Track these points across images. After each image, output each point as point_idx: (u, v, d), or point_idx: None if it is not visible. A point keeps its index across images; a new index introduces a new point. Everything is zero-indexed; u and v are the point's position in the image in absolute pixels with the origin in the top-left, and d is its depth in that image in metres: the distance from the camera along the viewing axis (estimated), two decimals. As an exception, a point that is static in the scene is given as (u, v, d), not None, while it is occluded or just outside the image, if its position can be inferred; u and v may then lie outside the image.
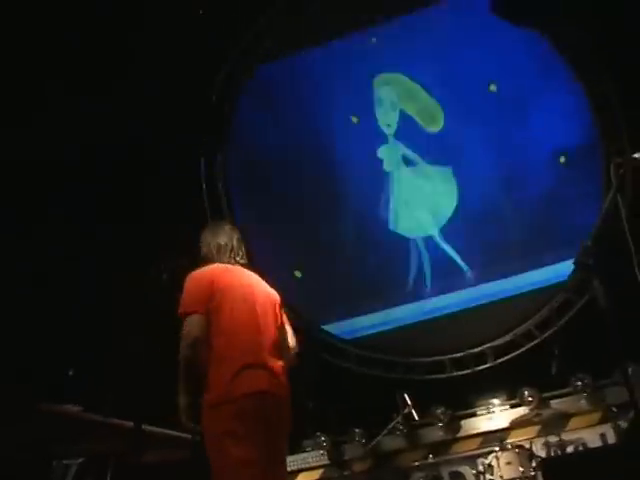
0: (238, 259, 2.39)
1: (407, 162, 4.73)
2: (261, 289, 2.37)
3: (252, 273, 2.41)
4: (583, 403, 3.81)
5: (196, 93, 4.53)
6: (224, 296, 2.24)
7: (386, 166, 4.76)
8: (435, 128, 4.66)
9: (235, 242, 2.43)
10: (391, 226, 4.74)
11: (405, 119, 4.72)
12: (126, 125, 4.28)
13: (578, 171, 4.46)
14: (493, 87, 4.55)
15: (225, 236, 2.43)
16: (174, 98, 4.35)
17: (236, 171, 4.85)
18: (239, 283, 2.30)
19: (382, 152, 4.77)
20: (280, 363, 2.24)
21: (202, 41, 4.37)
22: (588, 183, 4.33)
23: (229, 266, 2.37)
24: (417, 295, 4.64)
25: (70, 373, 3.28)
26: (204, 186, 4.74)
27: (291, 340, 2.36)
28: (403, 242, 4.71)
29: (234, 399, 2.09)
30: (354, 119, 4.78)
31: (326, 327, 4.73)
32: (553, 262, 4.39)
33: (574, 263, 4.00)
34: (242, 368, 2.13)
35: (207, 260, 2.39)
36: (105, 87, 4.22)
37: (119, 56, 4.26)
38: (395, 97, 4.74)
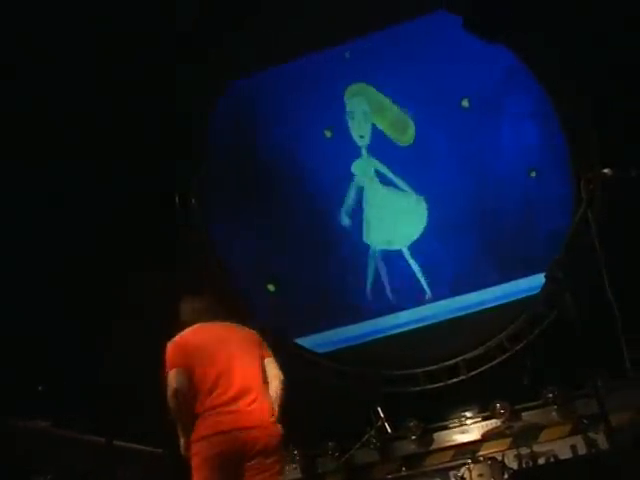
0: (215, 316, 2.64)
1: (380, 177, 4.74)
2: (237, 336, 2.61)
3: (230, 324, 2.65)
4: (554, 415, 3.83)
5: (166, 110, 4.48)
6: (195, 354, 2.51)
7: (359, 180, 4.77)
8: (406, 141, 4.68)
9: (209, 304, 2.67)
10: (364, 239, 4.75)
11: (377, 133, 4.73)
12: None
13: (548, 186, 4.50)
14: (465, 103, 4.58)
15: (199, 301, 2.68)
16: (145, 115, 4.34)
17: (210, 188, 4.80)
18: (214, 338, 2.57)
19: (356, 167, 4.77)
20: (253, 401, 2.47)
21: (171, 56, 4.36)
22: (558, 198, 4.38)
23: (206, 324, 2.61)
24: (387, 308, 4.63)
25: (40, 388, 3.23)
26: (177, 202, 4.69)
27: (276, 372, 2.57)
28: (370, 254, 4.73)
29: (202, 437, 2.44)
30: (328, 133, 4.77)
31: (300, 341, 4.70)
32: (525, 275, 4.41)
33: (545, 276, 4.03)
34: (209, 413, 2.45)
35: (187, 325, 2.63)
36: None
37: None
38: (367, 107, 4.73)
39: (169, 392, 2.43)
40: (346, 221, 4.74)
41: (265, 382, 2.54)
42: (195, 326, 2.58)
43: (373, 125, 4.73)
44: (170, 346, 2.52)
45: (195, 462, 2.42)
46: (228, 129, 4.78)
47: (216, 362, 2.49)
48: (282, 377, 2.58)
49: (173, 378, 2.44)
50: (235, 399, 2.45)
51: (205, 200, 4.76)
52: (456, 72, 4.54)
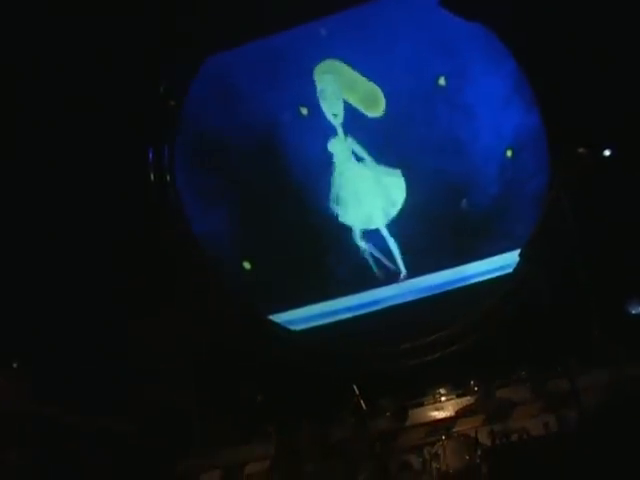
0: None
1: (356, 155, 4.68)
2: None
3: None
4: (527, 393, 3.82)
5: (143, 86, 4.39)
6: None
7: (336, 159, 4.71)
8: (378, 113, 4.62)
9: None
10: (340, 218, 4.70)
11: (350, 111, 4.66)
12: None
13: (525, 165, 4.48)
14: (442, 81, 4.54)
15: None
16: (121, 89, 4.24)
17: (185, 162, 4.73)
18: None
19: (332, 145, 4.71)
20: None
21: (148, 33, 4.26)
22: (534, 177, 4.37)
23: None
24: (363, 286, 4.62)
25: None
26: (152, 176, 4.61)
27: None
28: (348, 233, 4.70)
29: None
30: (303, 111, 4.70)
31: (275, 317, 4.67)
32: (500, 253, 4.42)
33: (519, 255, 4.03)
34: None
35: None
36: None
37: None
38: (336, 86, 4.67)
39: None
40: (324, 200, 4.69)
41: None
42: None
43: (345, 102, 4.67)
44: None
45: None
46: (202, 108, 4.69)
47: None
48: None
49: None
50: None
51: (180, 178, 4.69)
52: (433, 50, 4.49)
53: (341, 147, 4.70)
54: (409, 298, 4.55)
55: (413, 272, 4.59)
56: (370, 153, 4.66)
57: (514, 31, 4.27)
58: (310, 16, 4.50)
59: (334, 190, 4.69)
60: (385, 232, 4.66)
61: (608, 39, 3.93)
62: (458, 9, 4.27)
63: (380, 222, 4.68)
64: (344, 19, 4.54)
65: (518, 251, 4.24)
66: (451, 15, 4.36)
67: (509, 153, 4.50)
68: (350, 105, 4.68)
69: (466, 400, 3.90)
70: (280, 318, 4.66)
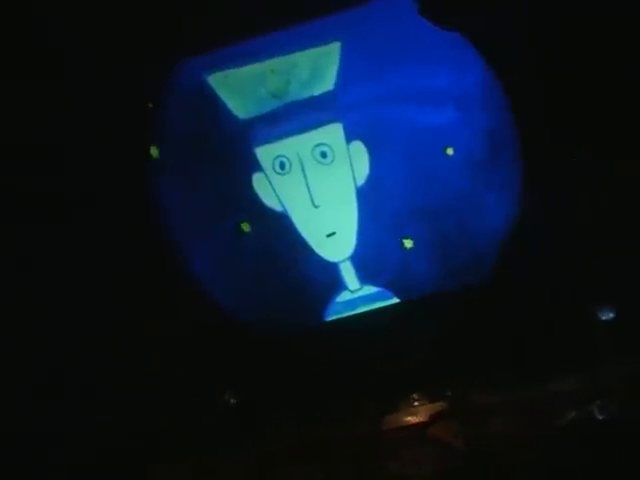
0: None
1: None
2: None
3: None
4: (503, 397, 3.88)
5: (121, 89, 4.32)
6: None
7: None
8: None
9: None
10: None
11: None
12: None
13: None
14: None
15: None
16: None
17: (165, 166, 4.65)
18: None
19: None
20: None
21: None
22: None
23: None
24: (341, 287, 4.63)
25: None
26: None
27: None
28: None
29: None
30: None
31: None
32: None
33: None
34: None
35: None
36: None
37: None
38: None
39: None
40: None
41: None
42: None
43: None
44: None
45: None
46: (179, 113, 4.61)
47: None
48: None
49: None
50: None
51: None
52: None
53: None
54: (384, 302, 4.57)
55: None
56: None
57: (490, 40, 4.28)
58: (286, 22, 4.43)
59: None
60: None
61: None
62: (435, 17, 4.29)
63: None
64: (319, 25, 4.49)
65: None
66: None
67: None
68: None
69: (441, 404, 3.96)
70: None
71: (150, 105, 4.56)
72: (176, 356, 4.41)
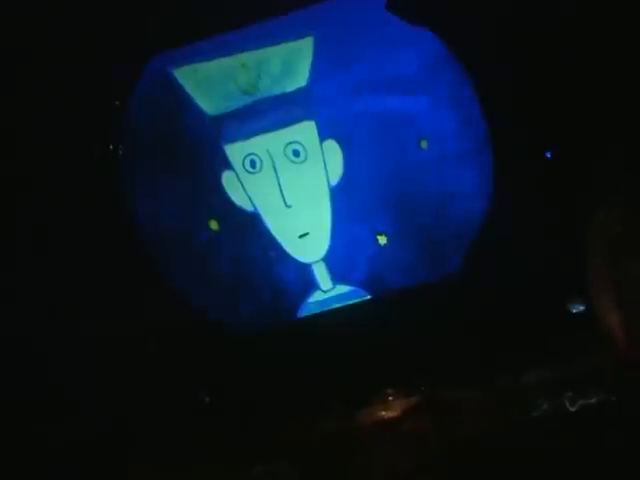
0: None
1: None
2: None
3: None
4: (477, 392, 3.86)
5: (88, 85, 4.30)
6: None
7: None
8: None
9: None
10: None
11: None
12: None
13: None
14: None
15: None
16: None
17: (132, 164, 4.58)
18: None
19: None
20: None
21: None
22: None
23: None
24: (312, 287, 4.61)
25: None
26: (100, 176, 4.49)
27: None
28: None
29: None
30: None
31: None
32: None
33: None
34: None
35: None
36: None
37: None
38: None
39: None
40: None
41: None
42: None
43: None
44: None
45: None
46: (147, 109, 4.55)
47: None
48: None
49: None
50: None
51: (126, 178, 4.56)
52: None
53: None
54: (355, 299, 4.57)
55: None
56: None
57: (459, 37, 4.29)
58: (258, 16, 4.41)
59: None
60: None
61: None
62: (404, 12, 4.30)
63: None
64: (292, 20, 4.46)
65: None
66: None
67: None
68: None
69: (415, 399, 3.94)
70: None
71: (117, 103, 4.51)
72: (145, 356, 4.35)
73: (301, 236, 4.58)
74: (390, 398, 4.03)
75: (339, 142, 4.53)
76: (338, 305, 4.56)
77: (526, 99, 4.06)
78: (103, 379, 4.28)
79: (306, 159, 4.55)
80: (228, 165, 4.57)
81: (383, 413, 4.00)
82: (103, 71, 4.33)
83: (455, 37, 4.29)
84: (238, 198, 4.58)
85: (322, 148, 4.55)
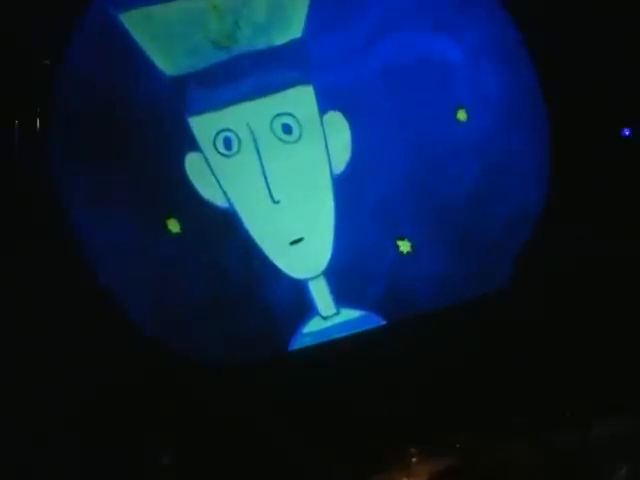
0: None
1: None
2: None
3: None
4: (524, 450, 4.05)
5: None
6: None
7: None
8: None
9: None
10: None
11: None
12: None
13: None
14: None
15: None
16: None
17: (63, 143, 4.78)
18: None
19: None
20: None
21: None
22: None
23: None
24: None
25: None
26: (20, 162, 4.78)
27: None
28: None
29: None
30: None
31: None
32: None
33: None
34: None
35: None
36: None
37: None
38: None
39: None
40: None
41: None
42: None
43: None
44: None
45: None
46: (86, 69, 4.71)
47: None
48: None
49: None
50: None
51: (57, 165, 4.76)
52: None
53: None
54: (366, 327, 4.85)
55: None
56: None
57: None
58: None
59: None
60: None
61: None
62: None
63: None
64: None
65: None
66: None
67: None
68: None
69: (446, 462, 4.17)
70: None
71: (46, 62, 4.74)
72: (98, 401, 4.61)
73: (293, 242, 4.78)
74: (413, 460, 4.27)
75: (345, 114, 4.76)
76: (343, 335, 4.80)
77: (596, 57, 4.30)
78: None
79: (300, 137, 4.76)
80: (193, 145, 4.74)
81: (405, 480, 4.22)
82: (25, 22, 4.59)
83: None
84: (207, 190, 4.75)
85: (322, 122, 4.77)
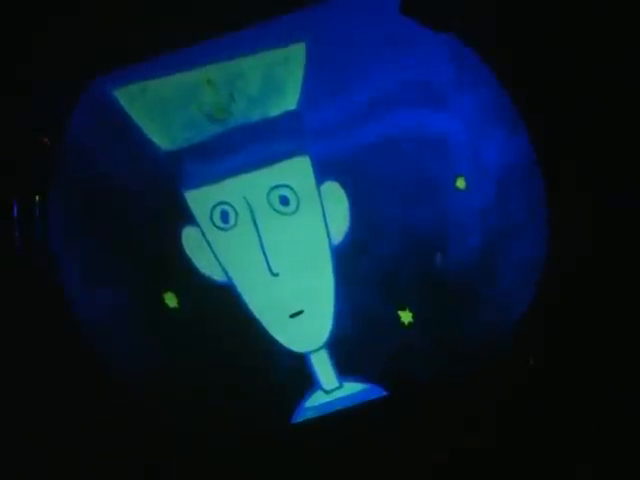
0: None
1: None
2: None
3: None
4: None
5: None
6: None
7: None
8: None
9: None
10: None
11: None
12: None
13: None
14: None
15: None
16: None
17: (64, 219, 4.80)
18: None
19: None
20: None
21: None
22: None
23: None
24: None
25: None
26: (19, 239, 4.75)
27: None
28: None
29: None
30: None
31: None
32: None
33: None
34: None
35: None
36: None
37: None
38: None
39: None
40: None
41: None
42: None
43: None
44: None
45: None
46: (81, 146, 4.76)
47: None
48: None
49: None
50: None
51: (56, 241, 4.76)
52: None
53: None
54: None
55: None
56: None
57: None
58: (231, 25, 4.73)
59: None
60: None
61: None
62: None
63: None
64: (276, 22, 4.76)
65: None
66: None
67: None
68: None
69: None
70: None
71: (46, 140, 4.75)
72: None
73: (293, 315, 4.75)
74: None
75: (343, 185, 4.77)
76: (345, 406, 4.76)
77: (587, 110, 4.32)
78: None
79: (298, 209, 4.78)
80: (190, 219, 4.76)
81: None
82: (25, 102, 4.64)
83: (482, 38, 4.61)
84: (204, 264, 4.76)
85: (320, 193, 4.79)
